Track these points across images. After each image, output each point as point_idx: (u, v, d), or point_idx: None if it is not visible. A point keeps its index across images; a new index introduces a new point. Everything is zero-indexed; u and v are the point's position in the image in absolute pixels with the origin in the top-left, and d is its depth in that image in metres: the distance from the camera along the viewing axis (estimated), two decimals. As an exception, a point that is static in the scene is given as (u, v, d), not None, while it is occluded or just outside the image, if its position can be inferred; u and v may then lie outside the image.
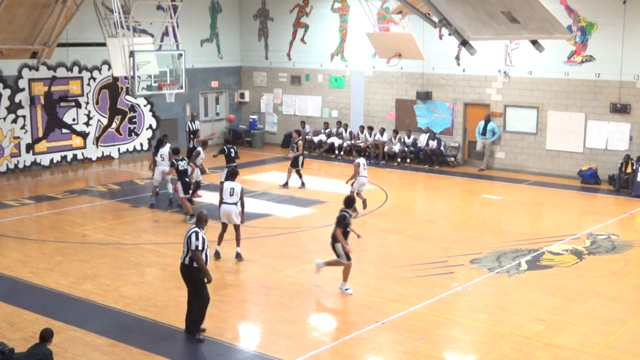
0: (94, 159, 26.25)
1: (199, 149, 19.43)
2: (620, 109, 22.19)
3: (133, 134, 27.36)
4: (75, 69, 25.38)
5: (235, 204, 14.62)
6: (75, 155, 25.74)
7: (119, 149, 27.00)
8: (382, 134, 26.43)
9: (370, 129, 26.63)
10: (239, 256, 14.95)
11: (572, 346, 11.00)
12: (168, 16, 21.63)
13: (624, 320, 12.06)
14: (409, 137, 26.05)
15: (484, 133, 24.58)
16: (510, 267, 14.67)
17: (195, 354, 11.05)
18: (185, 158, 18.49)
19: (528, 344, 11.09)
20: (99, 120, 26.23)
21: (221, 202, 14.84)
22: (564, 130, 23.32)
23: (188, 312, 11.44)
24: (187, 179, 17.90)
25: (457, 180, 23.52)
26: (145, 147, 27.53)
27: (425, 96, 25.87)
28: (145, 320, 12.00)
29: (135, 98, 25.58)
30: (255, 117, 29.91)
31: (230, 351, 10.92)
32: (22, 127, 24.21)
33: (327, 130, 28.02)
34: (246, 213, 15.25)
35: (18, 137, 24.14)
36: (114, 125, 26.71)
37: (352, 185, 18.68)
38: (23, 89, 24.08)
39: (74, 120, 25.51)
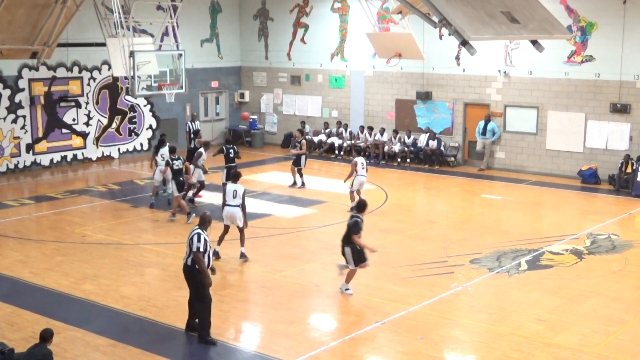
0: (94, 159, 26.26)
1: (201, 149, 19.41)
2: (620, 109, 22.19)
3: (133, 134, 27.37)
4: (75, 69, 25.39)
5: (239, 206, 14.62)
6: (75, 156, 25.74)
7: (119, 149, 27.01)
8: (382, 134, 26.43)
9: (370, 129, 26.63)
10: (243, 256, 14.94)
11: (572, 346, 11.00)
12: (168, 16, 21.62)
13: (624, 320, 12.06)
14: (409, 137, 26.05)
15: (484, 133, 24.58)
16: (510, 267, 14.67)
17: (195, 354, 11.05)
18: (181, 157, 18.49)
19: (528, 344, 11.08)
20: (99, 120, 26.24)
21: (224, 204, 14.85)
22: (564, 130, 23.31)
23: (190, 313, 11.44)
24: (181, 179, 17.94)
25: (457, 180, 23.52)
26: (145, 147, 27.53)
27: (425, 96, 25.87)
28: (145, 320, 12.00)
29: (135, 98, 25.59)
30: (255, 117, 29.91)
31: (230, 351, 10.92)
32: (22, 127, 24.22)
33: (327, 130, 28.02)
34: (246, 213, 15.22)
35: (18, 137, 24.15)
36: (114, 125, 26.72)
37: (351, 184, 18.72)
38: (23, 89, 24.08)
39: (74, 120, 25.51)
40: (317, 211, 19.29)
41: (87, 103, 25.79)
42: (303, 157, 21.68)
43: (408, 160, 25.87)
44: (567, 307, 12.59)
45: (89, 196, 20.94)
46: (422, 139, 25.68)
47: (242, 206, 14.66)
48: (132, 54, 18.70)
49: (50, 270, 14.45)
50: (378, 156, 26.23)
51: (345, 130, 27.51)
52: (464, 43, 10.82)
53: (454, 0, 10.94)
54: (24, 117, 24.19)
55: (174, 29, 21.79)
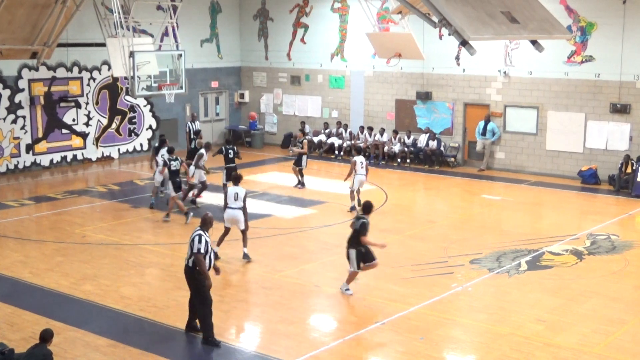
0: (93, 159, 26.25)
1: (202, 151, 19.38)
2: (620, 109, 22.19)
3: (133, 134, 27.36)
4: (75, 69, 25.39)
5: (240, 209, 14.61)
6: (75, 156, 25.73)
7: (118, 150, 27.00)
8: (382, 134, 26.43)
9: (370, 129, 26.63)
10: (246, 257, 14.94)
11: (572, 346, 11.00)
12: (168, 16, 21.62)
13: (624, 320, 12.06)
14: (408, 137, 26.05)
15: (484, 133, 24.58)
16: (510, 267, 14.67)
17: (195, 354, 11.05)
18: (179, 158, 18.45)
19: (528, 344, 11.08)
20: (98, 120, 26.24)
21: (226, 206, 14.85)
22: (564, 130, 23.31)
23: (190, 313, 11.44)
24: (178, 179, 17.95)
25: (457, 181, 23.52)
26: (145, 147, 27.52)
27: (425, 96, 25.87)
28: (145, 320, 12.00)
29: (135, 98, 25.59)
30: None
31: (230, 351, 10.91)
32: (22, 128, 24.21)
33: (327, 131, 28.02)
34: (247, 215, 15.18)
35: (18, 138, 24.14)
36: (113, 125, 26.71)
37: (352, 183, 18.78)
38: (23, 90, 24.08)
39: (73, 120, 25.51)
40: (317, 211, 19.29)
41: (87, 103, 25.79)
42: (304, 157, 21.68)
43: (408, 160, 25.87)
44: (567, 307, 12.59)
45: (89, 196, 20.94)
46: (422, 139, 25.68)
47: (244, 209, 14.65)
48: (132, 54, 18.70)
49: (50, 270, 14.45)
50: (378, 156, 26.23)
51: (345, 130, 27.51)
52: (464, 43, 10.83)
53: (454, 0, 10.94)
54: (24, 117, 24.19)
55: (173, 29, 21.79)
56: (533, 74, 23.69)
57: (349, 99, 27.94)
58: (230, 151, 19.44)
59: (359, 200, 18.85)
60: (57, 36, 20.01)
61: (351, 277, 13.09)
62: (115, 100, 26.69)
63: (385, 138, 26.35)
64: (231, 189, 14.85)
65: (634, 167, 21.30)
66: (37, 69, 24.02)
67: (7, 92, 23.73)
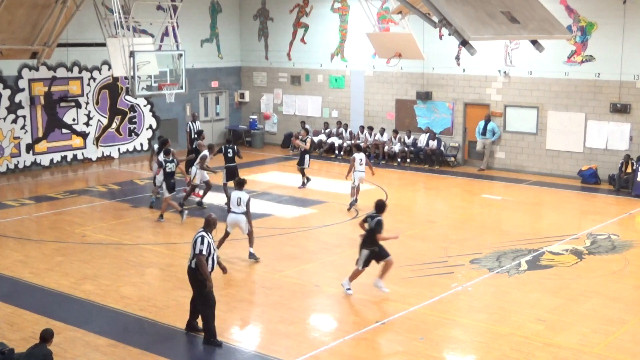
0: (94, 159, 26.26)
1: (205, 152, 19.33)
2: (620, 109, 22.19)
3: (133, 134, 27.36)
4: (75, 69, 25.39)
5: (243, 213, 14.59)
6: (75, 156, 25.74)
7: (119, 149, 27.00)
8: (382, 134, 26.44)
9: (370, 129, 26.63)
10: (252, 256, 14.92)
11: (572, 346, 11.00)
12: (168, 16, 21.63)
13: (624, 320, 12.06)
14: (409, 137, 26.05)
15: (484, 133, 24.58)
16: (510, 267, 14.67)
17: (196, 354, 11.06)
18: (175, 160, 18.38)
19: (528, 344, 11.08)
20: (99, 120, 26.24)
21: (229, 210, 14.85)
22: (564, 130, 23.31)
23: (191, 313, 11.44)
24: (172, 181, 17.94)
25: (457, 180, 23.52)
26: (145, 147, 27.52)
27: (425, 96, 25.87)
28: (145, 320, 12.00)
29: (135, 98, 25.59)
30: (255, 117, 29.92)
31: (230, 351, 10.91)
32: (22, 127, 24.21)
33: (327, 130, 28.02)
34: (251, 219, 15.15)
35: (18, 137, 24.15)
36: (114, 125, 26.72)
37: (353, 181, 18.88)
38: (23, 89, 24.08)
39: (74, 120, 25.51)
40: (317, 211, 19.29)
41: (87, 103, 25.79)
42: (307, 157, 21.69)
43: (408, 160, 25.87)
44: (567, 307, 12.59)
45: (89, 196, 20.94)
46: (422, 139, 25.68)
47: (247, 213, 14.63)
48: (132, 54, 18.71)
49: (50, 270, 14.45)
50: (378, 156, 26.23)
51: (345, 130, 27.51)
52: (464, 43, 10.82)
53: (454, 0, 10.94)
54: (24, 117, 24.20)
55: (174, 29, 21.80)
56: (533, 73, 23.69)
57: (349, 99, 27.93)
58: (230, 150, 19.41)
59: (355, 200, 18.96)
60: (57, 36, 20.01)
61: (354, 275, 13.08)
62: (116, 100, 26.69)
63: (385, 138, 26.36)
64: (234, 193, 14.81)
65: (634, 167, 21.30)
66: (37, 69, 24.02)
67: (7, 92, 23.74)
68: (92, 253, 15.57)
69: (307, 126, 28.00)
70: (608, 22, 22.13)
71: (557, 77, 23.27)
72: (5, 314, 12.21)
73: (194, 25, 28.41)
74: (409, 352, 10.80)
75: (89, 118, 25.92)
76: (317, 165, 25.59)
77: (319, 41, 28.39)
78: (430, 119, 25.91)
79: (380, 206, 13.04)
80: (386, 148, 26.18)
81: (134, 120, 27.28)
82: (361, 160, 18.95)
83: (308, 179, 22.03)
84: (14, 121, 23.98)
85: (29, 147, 24.43)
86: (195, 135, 22.27)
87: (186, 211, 18.02)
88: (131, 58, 18.68)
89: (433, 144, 25.25)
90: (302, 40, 28.85)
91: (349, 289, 13.10)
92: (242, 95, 30.59)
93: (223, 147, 19.64)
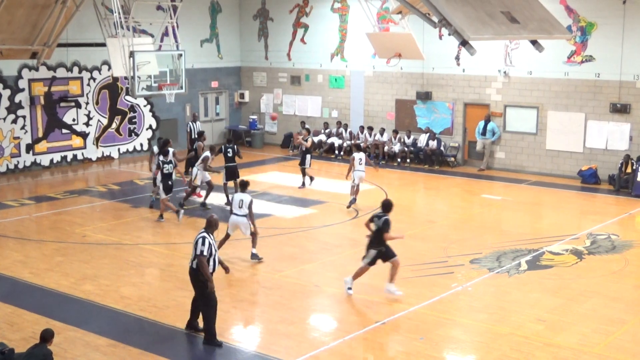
0: (94, 159, 26.26)
1: (207, 153, 19.30)
2: (620, 109, 22.19)
3: (133, 134, 27.37)
4: (75, 69, 25.39)
5: (245, 216, 14.58)
6: (75, 156, 25.74)
7: (119, 149, 27.01)
8: (382, 134, 26.44)
9: (370, 129, 26.63)
10: (254, 257, 14.91)
11: (572, 346, 11.00)
12: (168, 16, 21.62)
13: (624, 320, 12.06)
14: (408, 137, 26.05)
15: (484, 133, 24.58)
16: (510, 267, 14.67)
17: (196, 354, 11.06)
18: (173, 161, 18.32)
19: (528, 344, 11.08)
20: (99, 120, 26.24)
21: (231, 212, 14.85)
22: (564, 130, 23.31)
23: (192, 313, 11.44)
24: (169, 182, 17.92)
25: (457, 180, 23.52)
26: (145, 147, 27.52)
27: (425, 96, 25.87)
28: (145, 320, 12.00)
29: (135, 98, 25.60)
30: (255, 117, 29.92)
31: (230, 351, 10.91)
32: (22, 128, 24.22)
33: (327, 131, 28.02)
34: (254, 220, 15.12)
35: (18, 138, 24.15)
36: (114, 125, 26.72)
37: (353, 180, 18.91)
38: (23, 89, 24.08)
39: (73, 120, 25.51)
40: (317, 211, 19.29)
41: (87, 103, 25.80)
42: (308, 157, 21.71)
43: (408, 160, 25.87)
44: (567, 307, 12.59)
45: (89, 196, 20.94)
46: (422, 139, 25.69)
47: (250, 216, 14.61)
48: (132, 54, 18.71)
49: (50, 270, 14.45)
50: (378, 156, 26.23)
51: (345, 130, 27.51)
52: (464, 43, 10.82)
53: (453, 0, 10.94)
54: (24, 117, 24.20)
55: (174, 29, 21.79)
56: (533, 73, 23.69)
57: (349, 99, 27.94)
58: (230, 150, 19.41)
59: (353, 199, 18.97)
60: (57, 36, 20.01)
61: (358, 274, 13.07)
62: (116, 100, 26.69)
63: (385, 138, 26.36)
64: (237, 195, 14.79)
65: (634, 167, 21.30)
66: (37, 69, 24.03)
67: (7, 92, 23.74)
68: (92, 253, 15.57)
69: (307, 126, 28.03)
70: (608, 22, 22.13)
71: (557, 77, 23.27)
72: (5, 314, 12.21)
73: (194, 25, 28.41)
74: (409, 352, 10.80)
75: (89, 118, 25.92)
76: (317, 165, 25.58)
77: (319, 41, 28.39)
78: (430, 119, 25.91)
79: (387, 205, 13.06)
80: (386, 148, 26.19)
81: (133, 120, 27.28)
82: (361, 159, 19.02)
83: (312, 179, 22.06)
84: (14, 121, 23.99)
85: (29, 147, 24.43)
86: (196, 136, 22.27)
87: (182, 211, 18.01)
88: (131, 58, 18.68)
89: (433, 144, 25.25)
90: (302, 40, 28.85)
91: (349, 288, 13.09)
92: (242, 96, 30.59)
93: (223, 146, 19.64)
